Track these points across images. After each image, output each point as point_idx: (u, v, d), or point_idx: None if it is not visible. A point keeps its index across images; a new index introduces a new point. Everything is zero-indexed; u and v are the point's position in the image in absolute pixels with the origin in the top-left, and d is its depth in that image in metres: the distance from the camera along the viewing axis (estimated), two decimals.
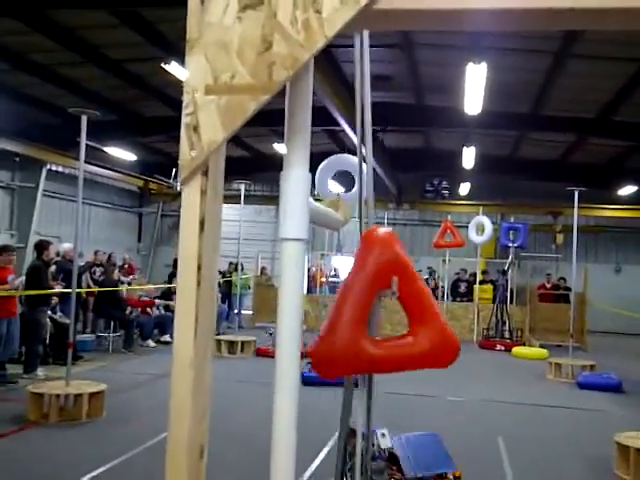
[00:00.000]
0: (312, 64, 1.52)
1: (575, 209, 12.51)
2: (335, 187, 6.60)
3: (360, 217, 2.93)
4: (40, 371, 9.99)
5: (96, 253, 14.72)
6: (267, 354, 12.60)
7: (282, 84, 1.45)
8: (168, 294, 15.37)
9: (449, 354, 2.79)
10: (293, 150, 1.62)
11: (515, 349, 14.93)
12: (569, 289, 16.37)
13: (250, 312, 18.66)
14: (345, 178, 5.77)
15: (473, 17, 1.41)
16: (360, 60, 2.55)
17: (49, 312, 10.88)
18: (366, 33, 2.43)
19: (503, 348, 15.49)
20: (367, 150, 2.99)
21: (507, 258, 17.36)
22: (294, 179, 1.63)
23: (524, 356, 14.40)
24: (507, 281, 17.28)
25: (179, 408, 1.45)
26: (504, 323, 16.50)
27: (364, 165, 3.42)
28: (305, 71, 1.56)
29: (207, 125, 1.47)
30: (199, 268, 1.46)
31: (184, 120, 1.48)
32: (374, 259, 2.66)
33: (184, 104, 1.47)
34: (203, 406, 1.53)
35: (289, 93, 1.63)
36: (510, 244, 16.90)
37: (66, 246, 11.89)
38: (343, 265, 21.51)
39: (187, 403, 1.45)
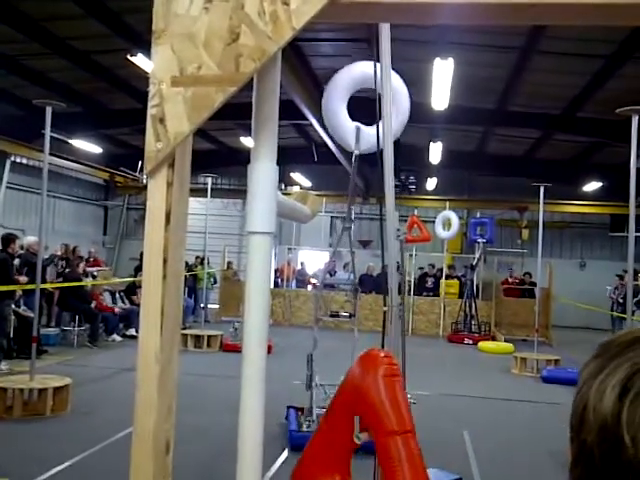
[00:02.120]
0: (280, 56, 1.51)
1: (541, 204, 12.66)
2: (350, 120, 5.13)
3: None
4: (3, 365, 9.85)
5: (66, 246, 14.56)
6: (235, 349, 12.57)
7: (249, 76, 1.44)
8: (133, 288, 15.24)
9: None
10: (260, 142, 1.61)
11: (481, 343, 15.08)
12: (534, 284, 16.61)
13: (216, 306, 18.59)
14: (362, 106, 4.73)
15: (436, 10, 1.41)
16: (383, 52, 2.60)
17: (12, 305, 10.72)
18: (386, 26, 2.49)
19: (471, 342, 15.64)
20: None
21: (473, 253, 17.54)
22: (261, 172, 1.62)
23: (490, 350, 14.57)
24: (475, 276, 17.47)
25: (145, 403, 1.44)
26: (472, 317, 16.67)
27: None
28: (273, 63, 1.55)
29: (173, 117, 1.45)
30: (165, 261, 1.45)
31: (150, 112, 1.46)
32: (349, 388, 2.23)
33: (150, 95, 1.45)
34: (169, 401, 1.52)
35: (256, 85, 1.61)
36: (479, 239, 17.05)
37: (30, 239, 11.71)
38: (310, 259, 21.60)
39: (153, 398, 1.44)
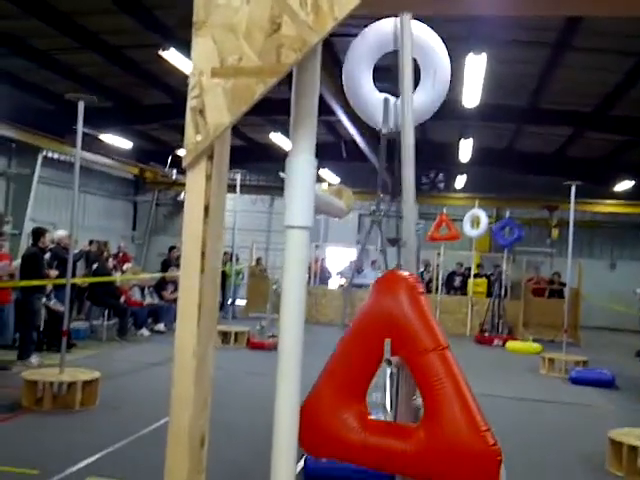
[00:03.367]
0: (320, 48, 1.49)
1: (571, 203, 12.49)
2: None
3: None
4: (34, 358, 9.95)
5: (91, 243, 14.69)
6: (261, 346, 12.61)
7: (290, 67, 1.42)
8: (162, 283, 15.34)
9: (474, 471, 2.00)
10: (299, 135, 1.59)
11: (509, 344, 14.91)
12: (563, 284, 16.41)
13: (244, 302, 18.64)
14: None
15: (475, 1, 1.38)
16: (402, 43, 2.45)
17: (43, 299, 10.84)
18: (408, 16, 2.37)
19: (501, 343, 15.40)
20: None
21: (502, 252, 17.38)
22: (300, 165, 1.60)
23: (518, 350, 14.40)
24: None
25: (181, 397, 1.43)
26: (500, 317, 16.45)
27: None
28: (313, 54, 1.53)
29: (213, 108, 1.43)
30: (203, 255, 1.43)
31: (190, 103, 1.45)
32: (373, 310, 2.11)
33: (190, 87, 1.43)
34: (205, 395, 1.51)
35: (296, 77, 1.59)
36: (506, 243, 16.81)
37: (61, 233, 11.82)
38: (335, 256, 21.56)
39: (189, 392, 1.43)
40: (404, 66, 2.72)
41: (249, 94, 1.42)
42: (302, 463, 5.17)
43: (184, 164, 1.43)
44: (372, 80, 4.07)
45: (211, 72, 1.43)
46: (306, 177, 1.62)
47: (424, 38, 3.82)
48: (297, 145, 1.60)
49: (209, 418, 1.56)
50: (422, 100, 3.97)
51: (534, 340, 15.14)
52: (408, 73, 2.71)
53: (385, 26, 3.61)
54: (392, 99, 3.99)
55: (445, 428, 1.96)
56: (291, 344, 1.64)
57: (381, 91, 4.05)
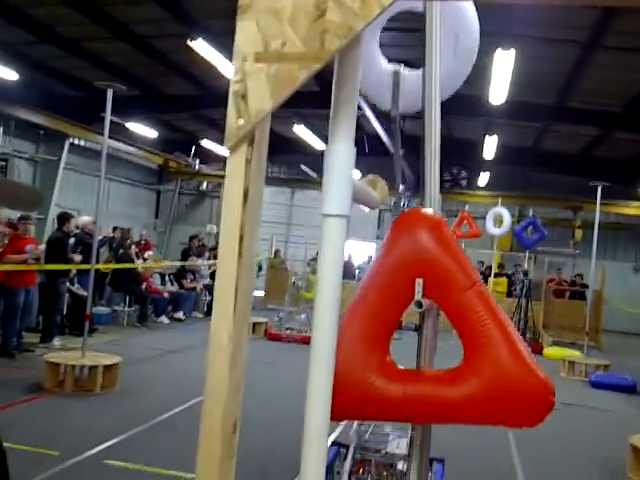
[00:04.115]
0: (363, 35, 1.48)
1: (597, 204, 12.36)
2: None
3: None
4: (56, 341, 10.07)
5: (114, 229, 14.82)
6: (278, 338, 12.67)
7: (334, 53, 1.41)
8: (183, 272, 15.43)
9: (527, 407, 1.89)
10: (339, 123, 1.58)
11: (546, 350, 13.96)
12: (586, 286, 16.23)
13: (262, 293, 18.69)
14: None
15: None
16: (432, 31, 2.26)
17: (67, 284, 10.95)
18: (438, 4, 2.22)
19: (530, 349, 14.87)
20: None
21: (524, 252, 17.22)
22: (339, 153, 1.59)
23: (555, 357, 13.59)
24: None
25: (215, 382, 1.43)
26: (526, 322, 15.72)
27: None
28: (357, 41, 1.52)
29: (255, 93, 1.43)
30: (241, 239, 1.44)
31: (232, 88, 1.44)
32: (398, 251, 1.97)
33: (233, 71, 1.43)
34: (238, 380, 1.51)
35: (338, 64, 1.58)
36: (529, 244, 16.60)
37: (85, 219, 11.93)
38: (356, 250, 21.52)
39: (224, 377, 1.43)
40: (431, 31, 2.34)
41: (292, 80, 1.42)
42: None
43: (225, 147, 1.43)
44: (379, 47, 3.36)
45: (254, 57, 1.42)
46: (345, 166, 1.61)
47: None
48: (336, 133, 1.59)
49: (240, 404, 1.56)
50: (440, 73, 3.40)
51: (554, 343, 14.96)
52: (435, 41, 2.33)
53: None
54: (404, 71, 3.35)
55: (493, 366, 1.85)
56: (325, 335, 1.64)
57: (389, 61, 3.39)
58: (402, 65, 3.31)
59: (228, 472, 1.51)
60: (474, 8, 3.19)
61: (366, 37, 2.84)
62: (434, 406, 1.88)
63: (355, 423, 4.42)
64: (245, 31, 1.42)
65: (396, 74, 3.22)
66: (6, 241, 9.37)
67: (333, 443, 4.51)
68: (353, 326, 1.91)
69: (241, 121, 1.43)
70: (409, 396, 1.87)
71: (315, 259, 18.15)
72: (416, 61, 3.03)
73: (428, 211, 2.13)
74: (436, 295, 1.95)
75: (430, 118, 2.31)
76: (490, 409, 1.88)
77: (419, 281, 1.91)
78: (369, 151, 19.33)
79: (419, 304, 1.95)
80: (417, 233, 1.97)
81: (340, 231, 1.62)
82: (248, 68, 1.42)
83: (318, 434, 1.64)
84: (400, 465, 3.92)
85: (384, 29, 3.32)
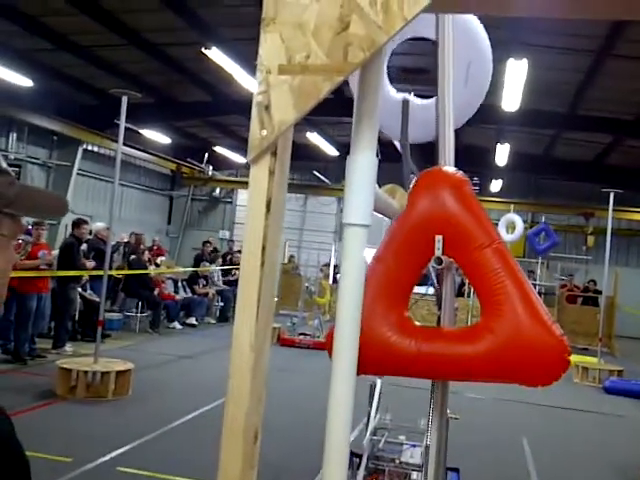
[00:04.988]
0: (385, 48, 1.49)
1: (610, 211, 12.34)
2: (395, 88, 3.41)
3: None
4: (68, 347, 10.11)
5: (131, 235, 14.91)
6: (291, 343, 12.67)
7: (358, 66, 1.42)
8: (195, 277, 15.47)
9: (542, 365, 1.89)
10: (361, 134, 1.60)
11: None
12: (599, 292, 16.17)
13: (275, 299, 18.70)
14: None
15: (558, 3, 1.38)
16: (442, 44, 2.28)
17: (79, 289, 11.00)
18: (449, 17, 2.26)
19: None
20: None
21: (536, 258, 17.20)
22: (361, 163, 1.61)
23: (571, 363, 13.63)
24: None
25: (237, 391, 1.44)
26: None
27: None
28: (379, 54, 1.54)
29: (279, 105, 1.45)
30: (264, 248, 1.45)
31: (256, 99, 1.46)
32: (418, 208, 1.97)
33: (257, 83, 1.45)
34: (260, 390, 1.52)
35: (360, 76, 1.60)
36: (541, 250, 16.59)
37: (99, 225, 12.00)
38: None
39: (245, 387, 1.44)
40: (444, 59, 2.35)
41: (315, 92, 1.43)
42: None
43: (248, 159, 1.45)
44: (387, 75, 3.17)
45: (278, 69, 1.44)
46: (367, 175, 1.63)
47: (456, 20, 2.87)
48: (358, 144, 1.61)
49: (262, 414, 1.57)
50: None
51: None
52: (448, 68, 2.35)
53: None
54: (415, 100, 3.21)
55: (509, 323, 1.84)
56: (346, 343, 1.65)
57: (398, 90, 3.25)
58: (411, 93, 3.25)
59: None
60: (487, 37, 3.10)
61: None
62: (449, 362, 1.89)
63: (368, 432, 4.40)
64: (269, 43, 1.43)
65: (405, 103, 3.15)
66: (28, 248, 9.34)
67: None
68: (373, 283, 1.91)
69: (264, 132, 1.45)
70: (424, 352, 1.88)
71: (327, 264, 18.15)
72: (427, 81, 3.21)
73: (450, 170, 2.11)
74: (455, 253, 1.95)
75: (444, 146, 2.33)
76: (505, 366, 1.88)
77: (439, 238, 1.91)
78: (383, 158, 19.41)
79: (439, 260, 1.95)
80: (439, 191, 1.97)
81: (361, 240, 1.63)
82: (272, 80, 1.44)
83: (340, 440, 1.65)
84: (415, 475, 3.90)
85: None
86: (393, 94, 3.23)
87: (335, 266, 19.46)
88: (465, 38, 2.83)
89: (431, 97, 3.20)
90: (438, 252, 1.91)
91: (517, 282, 1.89)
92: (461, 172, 2.13)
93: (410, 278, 1.98)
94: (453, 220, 1.92)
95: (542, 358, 1.87)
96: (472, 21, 3.03)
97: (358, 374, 1.80)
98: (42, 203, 1.20)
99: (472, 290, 17.83)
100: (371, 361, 1.88)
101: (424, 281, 2.56)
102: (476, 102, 3.23)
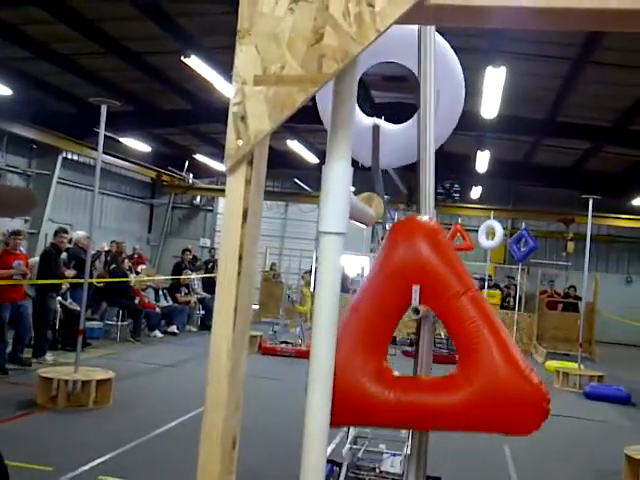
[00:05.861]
0: (359, 58, 1.52)
1: (589, 217, 12.46)
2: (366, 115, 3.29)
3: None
4: (49, 356, 10.05)
5: (111, 243, 14.86)
6: (272, 352, 12.64)
7: (332, 77, 1.45)
8: (177, 286, 15.42)
9: (521, 414, 1.89)
10: (336, 143, 1.62)
11: (548, 363, 13.84)
12: (579, 298, 16.32)
13: (256, 307, 18.69)
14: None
15: (532, 15, 1.41)
16: (425, 56, 2.30)
17: (59, 298, 10.93)
18: (432, 28, 2.27)
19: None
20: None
21: (516, 264, 17.33)
22: (336, 172, 1.63)
23: (552, 369, 13.47)
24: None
25: (215, 399, 1.45)
26: None
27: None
28: (353, 65, 1.56)
29: (255, 115, 1.47)
30: (240, 258, 1.47)
31: (232, 109, 1.48)
32: (394, 258, 1.99)
33: (232, 94, 1.47)
34: (237, 397, 1.54)
35: (335, 87, 1.62)
36: (521, 258, 16.71)
37: (79, 234, 11.94)
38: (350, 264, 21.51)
39: (223, 394, 1.45)
40: (424, 86, 2.31)
41: (290, 102, 1.46)
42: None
43: (225, 168, 1.47)
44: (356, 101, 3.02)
45: (254, 80, 1.46)
46: (342, 185, 1.65)
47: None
48: (333, 153, 1.63)
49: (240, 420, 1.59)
50: (414, 132, 2.88)
51: (548, 354, 15.00)
52: (429, 96, 2.30)
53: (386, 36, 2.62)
54: (385, 125, 3.14)
55: (486, 373, 1.83)
56: (323, 352, 1.66)
57: (368, 115, 3.22)
58: (382, 118, 3.18)
59: None
60: (458, 62, 3.01)
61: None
62: (428, 413, 1.88)
63: (348, 441, 4.42)
64: (244, 54, 1.45)
65: (376, 128, 3.06)
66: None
67: (326, 461, 4.46)
68: (351, 332, 1.92)
69: (240, 142, 1.47)
70: (403, 402, 1.87)
71: (309, 272, 18.16)
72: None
73: (424, 218, 2.16)
74: (432, 301, 1.95)
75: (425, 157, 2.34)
76: (484, 416, 1.87)
77: (416, 288, 1.91)
78: (359, 166, 19.47)
79: (416, 310, 1.95)
80: (414, 240, 1.98)
81: (337, 248, 1.66)
82: (247, 90, 1.46)
83: (317, 445, 1.67)
84: None
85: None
86: (363, 119, 3.14)
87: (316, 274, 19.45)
88: (436, 64, 2.76)
89: (402, 122, 3.16)
90: (415, 302, 1.93)
91: (493, 330, 1.89)
92: (434, 220, 2.18)
93: (388, 327, 1.99)
94: (429, 268, 1.94)
95: (521, 407, 1.86)
96: (441, 45, 2.94)
97: (335, 426, 1.81)
98: (8, 196, 1.21)
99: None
100: (349, 412, 1.89)
101: None
102: (445, 133, 3.12)
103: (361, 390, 1.88)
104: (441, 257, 1.96)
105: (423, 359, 2.23)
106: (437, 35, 2.76)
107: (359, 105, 2.97)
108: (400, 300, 1.95)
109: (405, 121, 3.08)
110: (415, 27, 2.42)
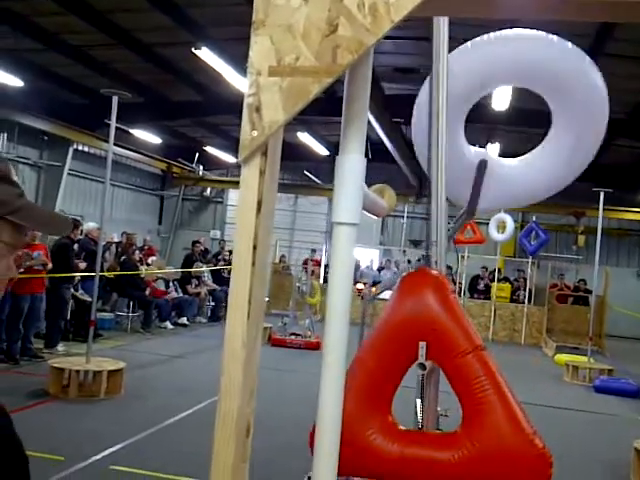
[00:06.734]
0: (373, 49, 1.53)
1: (600, 210, 12.41)
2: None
3: None
4: (60, 347, 10.12)
5: (123, 234, 14.94)
6: (282, 343, 12.68)
7: (346, 68, 1.46)
8: (188, 277, 15.48)
9: (522, 478, 1.86)
10: (350, 135, 1.63)
11: (558, 356, 13.87)
12: (589, 291, 16.28)
13: (266, 299, 18.73)
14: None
15: (546, 6, 1.41)
16: (439, 46, 2.31)
17: (71, 289, 11.00)
18: (445, 19, 2.28)
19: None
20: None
21: (527, 258, 17.31)
22: (350, 163, 1.64)
23: (562, 362, 13.01)
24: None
25: (229, 387, 1.47)
26: None
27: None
28: (367, 56, 1.57)
29: (269, 106, 1.48)
30: (254, 248, 1.48)
31: (246, 100, 1.49)
32: (403, 311, 2.00)
33: (247, 85, 1.48)
34: (252, 385, 1.55)
35: (349, 78, 1.63)
36: (532, 251, 16.69)
37: (90, 225, 11.99)
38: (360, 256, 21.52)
39: (238, 383, 1.47)
40: (437, 102, 2.29)
41: (305, 93, 1.46)
42: None
43: (239, 159, 1.48)
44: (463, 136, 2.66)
45: (268, 71, 1.47)
46: (355, 175, 1.66)
47: (557, 61, 2.47)
48: (347, 144, 1.64)
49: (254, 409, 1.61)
50: (540, 166, 2.66)
51: (557, 347, 15.00)
52: (441, 96, 2.30)
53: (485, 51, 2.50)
54: (495, 159, 2.71)
55: (489, 433, 1.84)
56: (336, 344, 1.68)
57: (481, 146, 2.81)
58: (489, 150, 2.77)
59: (242, 476, 1.55)
60: (599, 78, 2.64)
61: (450, 120, 2.44)
62: (430, 469, 1.89)
63: None
64: (259, 46, 1.46)
65: (482, 164, 2.66)
66: (33, 263, 9.30)
67: None
68: (357, 386, 1.94)
69: (255, 133, 1.48)
70: (406, 457, 1.90)
71: (306, 261, 18.18)
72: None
73: (433, 272, 2.16)
74: (438, 357, 1.98)
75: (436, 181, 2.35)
76: (486, 477, 1.87)
77: (422, 344, 1.93)
78: (373, 157, 19.46)
79: (422, 366, 1.97)
80: (423, 294, 2.01)
81: (350, 238, 1.67)
82: (262, 81, 1.47)
83: (331, 430, 1.69)
84: None
85: (388, 37, 3.17)
86: (468, 152, 2.74)
87: (326, 265, 19.50)
88: (569, 85, 2.43)
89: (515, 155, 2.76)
90: (421, 358, 1.94)
91: (499, 391, 1.90)
92: (443, 273, 2.19)
93: (393, 381, 2.01)
94: (437, 325, 1.95)
95: (523, 472, 1.86)
96: (583, 60, 2.54)
97: (340, 475, 1.83)
98: (47, 218, 1.24)
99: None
100: (354, 464, 1.92)
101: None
102: (571, 176, 2.84)
103: (366, 442, 1.91)
104: (449, 313, 1.97)
105: (429, 413, 2.25)
106: (593, 73, 2.56)
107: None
108: (406, 355, 1.98)
109: (523, 154, 2.72)
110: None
